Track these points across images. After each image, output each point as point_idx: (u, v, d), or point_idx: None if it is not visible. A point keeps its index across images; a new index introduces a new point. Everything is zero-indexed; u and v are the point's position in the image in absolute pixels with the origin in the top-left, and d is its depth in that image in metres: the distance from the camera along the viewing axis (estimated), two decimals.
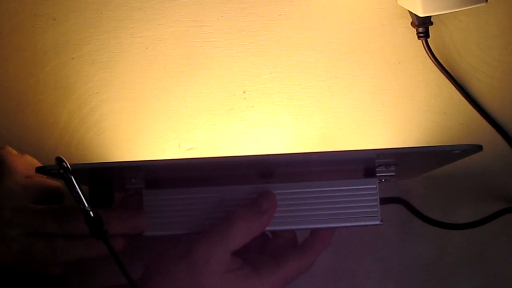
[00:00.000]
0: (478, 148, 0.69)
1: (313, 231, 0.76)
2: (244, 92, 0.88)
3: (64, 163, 0.66)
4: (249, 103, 0.88)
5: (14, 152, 0.80)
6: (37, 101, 0.87)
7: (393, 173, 0.74)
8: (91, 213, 0.68)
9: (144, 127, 0.87)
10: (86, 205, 0.68)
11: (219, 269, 0.71)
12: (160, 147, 0.87)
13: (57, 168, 0.66)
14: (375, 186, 0.74)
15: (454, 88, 0.88)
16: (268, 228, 0.74)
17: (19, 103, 0.87)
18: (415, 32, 0.87)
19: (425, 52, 0.87)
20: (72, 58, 0.88)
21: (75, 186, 0.67)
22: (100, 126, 0.87)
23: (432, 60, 0.87)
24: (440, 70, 0.88)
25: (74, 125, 0.87)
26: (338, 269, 0.87)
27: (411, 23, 0.87)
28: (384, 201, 0.75)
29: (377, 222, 0.74)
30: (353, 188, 0.74)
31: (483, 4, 0.83)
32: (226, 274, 0.71)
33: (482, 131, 0.88)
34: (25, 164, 0.79)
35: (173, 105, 0.87)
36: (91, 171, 0.71)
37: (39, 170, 0.69)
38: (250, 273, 0.72)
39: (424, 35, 0.87)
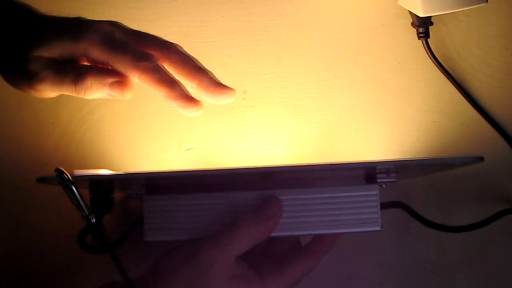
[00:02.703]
0: (480, 159, 0.69)
1: (316, 236, 0.76)
2: (244, 92, 0.88)
3: (64, 174, 0.66)
4: (249, 103, 0.88)
5: None
6: (37, 101, 0.86)
7: (394, 179, 0.74)
8: (93, 220, 0.69)
9: (144, 127, 0.87)
10: (87, 212, 0.69)
11: (224, 273, 0.70)
12: (160, 147, 0.87)
13: (57, 179, 0.66)
14: (375, 192, 0.74)
15: (454, 88, 0.88)
16: None
17: (19, 103, 0.87)
18: (415, 32, 0.87)
19: (425, 52, 0.87)
20: None
21: (76, 196, 0.67)
22: (100, 126, 0.87)
23: (432, 60, 0.87)
24: (440, 70, 0.87)
25: (74, 125, 0.87)
26: (337, 270, 0.87)
27: (411, 23, 0.87)
28: (384, 206, 0.75)
29: (378, 228, 0.74)
30: (354, 195, 0.74)
31: (483, 4, 0.83)
32: (230, 279, 0.71)
33: (482, 131, 0.88)
34: None
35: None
36: (91, 181, 0.71)
37: (39, 181, 0.69)
38: (254, 278, 0.72)
39: (424, 35, 0.86)
